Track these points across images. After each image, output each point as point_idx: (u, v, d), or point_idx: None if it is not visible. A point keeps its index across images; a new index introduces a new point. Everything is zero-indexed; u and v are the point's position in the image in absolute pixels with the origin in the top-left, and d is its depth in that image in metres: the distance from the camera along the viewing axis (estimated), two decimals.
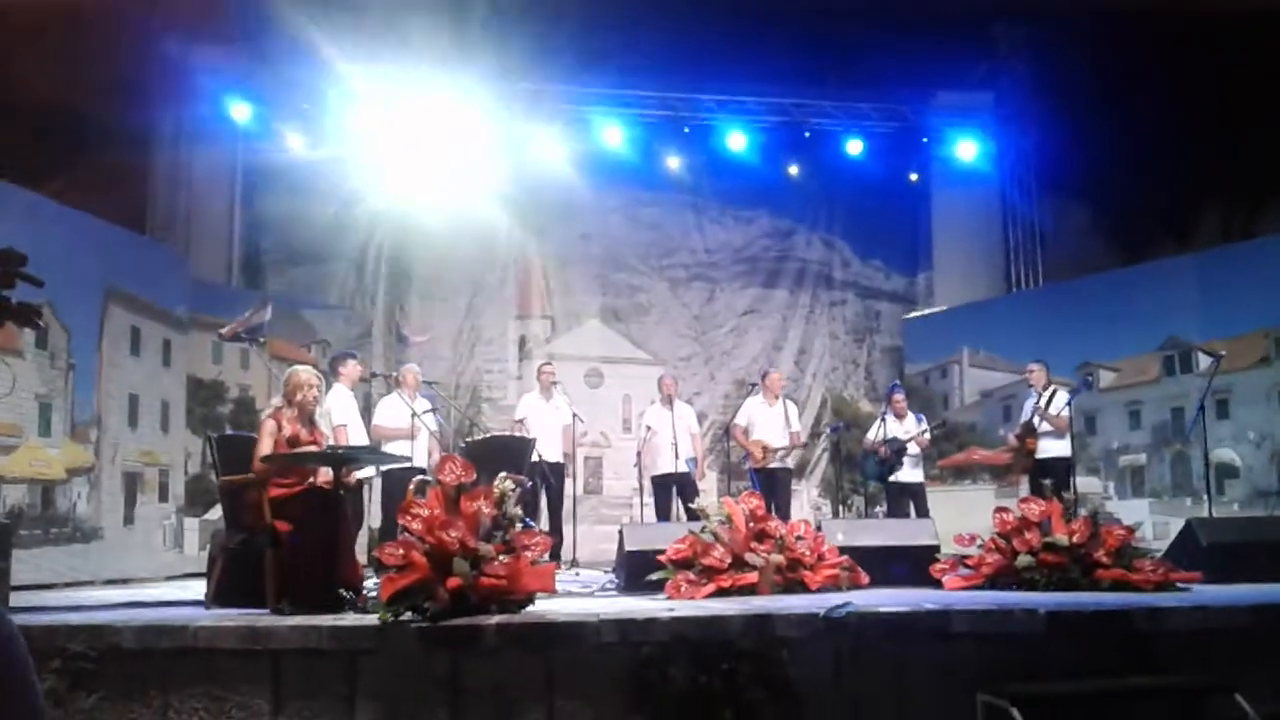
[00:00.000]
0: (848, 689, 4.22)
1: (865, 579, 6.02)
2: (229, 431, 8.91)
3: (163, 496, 9.48)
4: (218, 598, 5.30)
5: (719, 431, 11.11)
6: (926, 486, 9.68)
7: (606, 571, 7.55)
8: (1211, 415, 8.44)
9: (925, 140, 12.80)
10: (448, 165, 12.09)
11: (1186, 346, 9.70)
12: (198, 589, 5.96)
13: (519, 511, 4.75)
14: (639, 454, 9.52)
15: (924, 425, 9.53)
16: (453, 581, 4.25)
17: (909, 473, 9.38)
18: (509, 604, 4.41)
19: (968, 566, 5.99)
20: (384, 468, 7.67)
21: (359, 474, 7.03)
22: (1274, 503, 8.93)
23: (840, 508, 11.52)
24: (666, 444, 9.11)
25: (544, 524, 8.53)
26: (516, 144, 12.09)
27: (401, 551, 4.34)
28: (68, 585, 7.62)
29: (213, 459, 5.93)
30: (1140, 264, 10.68)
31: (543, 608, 4.66)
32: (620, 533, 6.65)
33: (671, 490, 9.17)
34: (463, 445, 7.82)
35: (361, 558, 5.82)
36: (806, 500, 12.37)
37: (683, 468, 9.08)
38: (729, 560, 5.64)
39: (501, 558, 4.47)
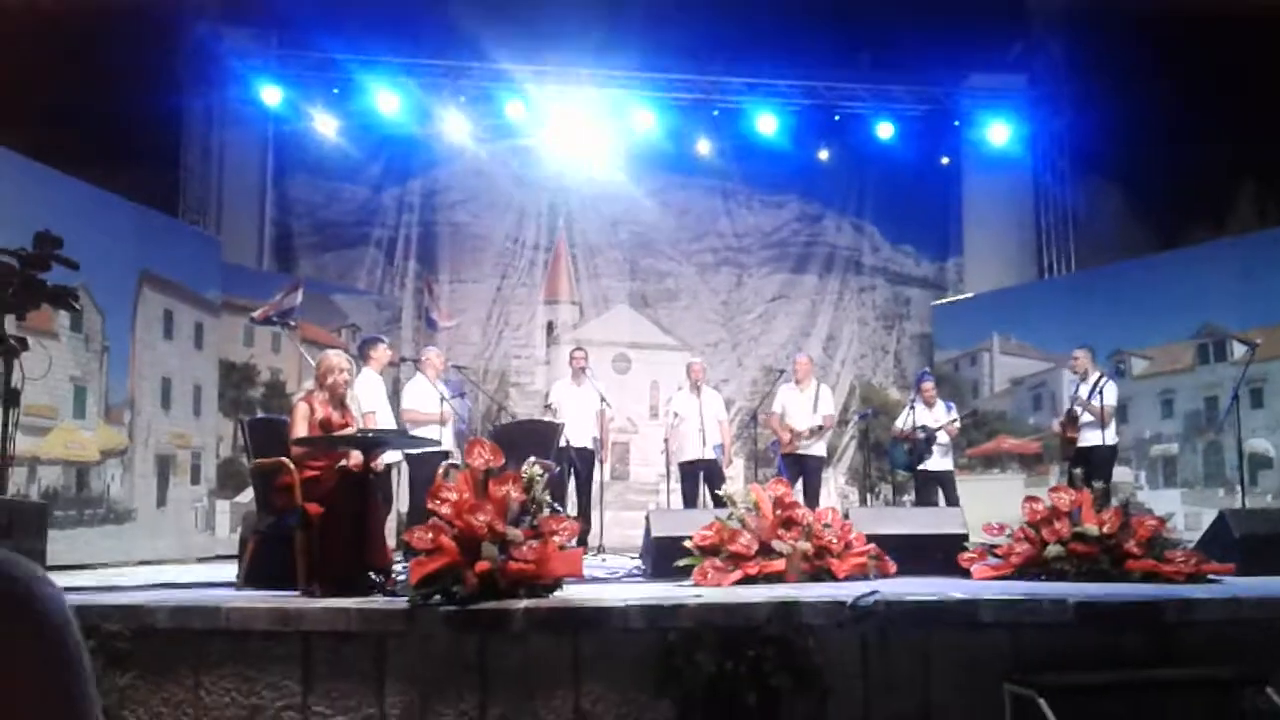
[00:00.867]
0: (874, 677, 4.22)
1: (893, 568, 6.00)
2: (260, 414, 8.99)
3: (195, 479, 9.58)
4: (249, 579, 5.36)
5: (746, 418, 11.09)
6: (955, 475, 9.63)
7: (633, 557, 7.57)
8: (1246, 405, 8.34)
9: (957, 123, 12.69)
10: (476, 150, 12.14)
11: (1222, 334, 9.58)
12: (229, 571, 6.02)
13: (547, 496, 4.77)
14: (666, 440, 9.52)
15: (954, 413, 9.48)
16: (481, 566, 4.27)
17: (938, 461, 9.34)
18: (537, 588, 4.43)
19: (996, 556, 5.95)
20: (412, 452, 7.71)
21: (386, 459, 7.08)
22: None
23: (868, 496, 11.49)
24: (694, 430, 9.10)
25: (571, 509, 8.55)
26: (545, 127, 12.09)
27: (430, 535, 4.36)
28: (102, 566, 7.73)
29: (245, 442, 5.99)
30: (1175, 249, 10.56)
31: (570, 593, 4.68)
32: (647, 519, 6.66)
33: (699, 477, 9.17)
34: (490, 429, 7.85)
35: (391, 541, 5.86)
36: (834, 488, 12.33)
37: (710, 454, 9.08)
38: (756, 547, 5.64)
39: (530, 542, 4.49)
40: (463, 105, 11.95)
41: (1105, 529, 5.68)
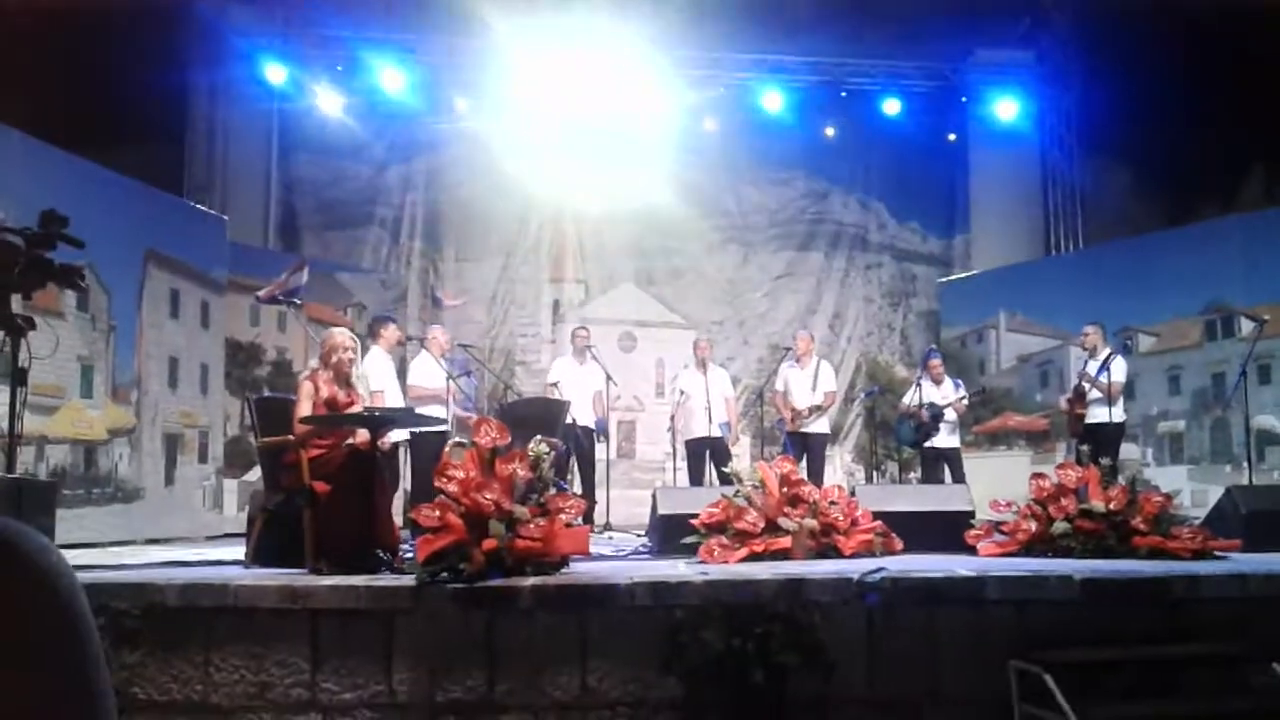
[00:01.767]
0: (880, 654, 4.23)
1: (899, 545, 6.00)
2: (266, 393, 9.01)
3: (202, 457, 9.61)
4: (257, 557, 5.38)
5: (752, 396, 11.09)
6: (962, 452, 9.63)
7: (639, 535, 7.59)
8: (1253, 381, 8.33)
9: (964, 99, 12.63)
10: (481, 127, 12.11)
11: (1229, 311, 9.55)
12: (237, 549, 6.05)
13: (554, 474, 4.77)
14: (672, 418, 9.53)
15: (961, 391, 9.46)
16: (488, 543, 4.28)
17: (945, 438, 9.34)
18: (544, 566, 4.44)
19: (1003, 533, 5.95)
20: (417, 430, 7.72)
21: (393, 437, 7.10)
22: None
23: (874, 473, 11.49)
24: (700, 408, 9.11)
25: (577, 488, 8.57)
26: (550, 105, 12.05)
27: (437, 513, 4.37)
28: (110, 545, 7.76)
29: (252, 421, 6.00)
30: (1183, 226, 10.51)
31: (577, 570, 4.70)
32: (653, 496, 6.66)
33: (705, 455, 9.18)
34: (497, 407, 7.85)
35: (397, 519, 5.88)
36: (840, 466, 12.34)
37: (716, 432, 9.08)
38: (762, 525, 5.65)
39: (536, 520, 4.50)
40: (466, 82, 11.91)
41: (1112, 506, 5.67)
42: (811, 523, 5.74)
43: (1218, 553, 5.45)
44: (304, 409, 5.39)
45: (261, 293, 10.30)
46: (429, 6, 11.07)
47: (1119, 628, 4.27)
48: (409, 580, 4.27)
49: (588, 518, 7.56)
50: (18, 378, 4.89)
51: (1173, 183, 11.15)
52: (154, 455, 8.98)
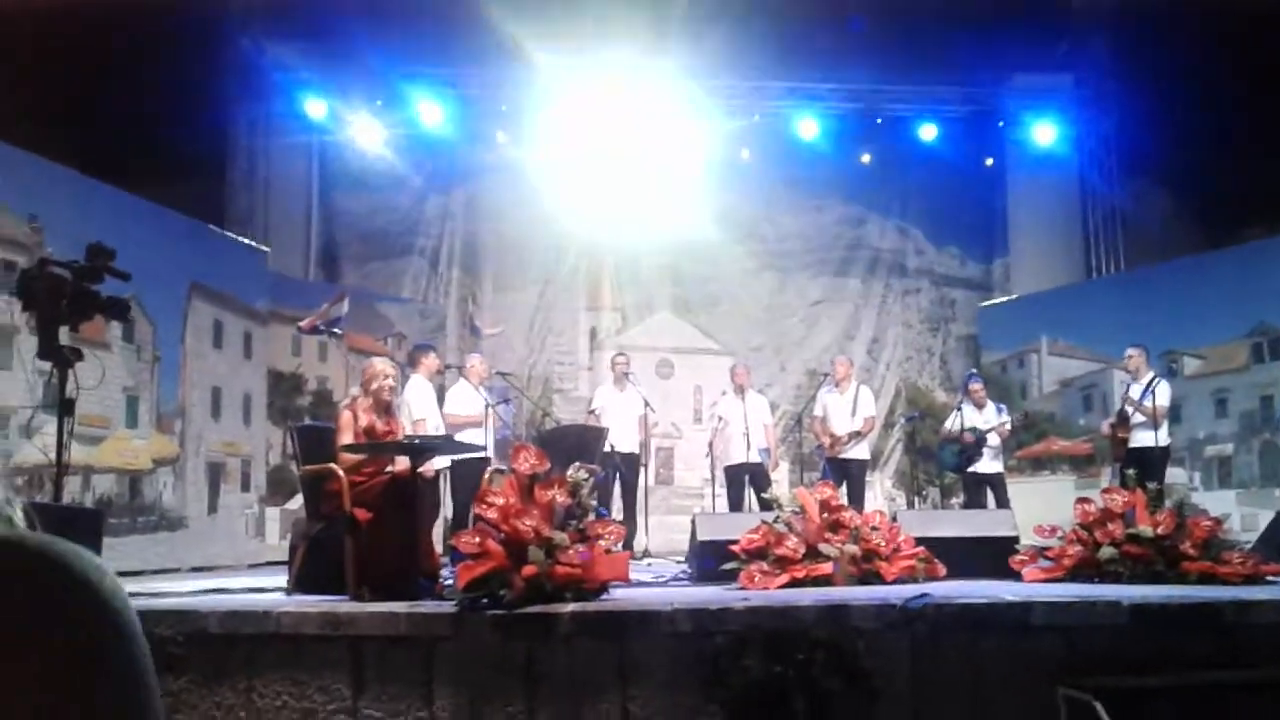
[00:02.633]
0: (925, 680, 4.17)
1: (942, 570, 5.94)
2: (308, 422, 9.09)
3: (245, 486, 9.70)
4: (299, 585, 5.40)
5: (790, 422, 11.04)
6: (1005, 477, 9.52)
7: (679, 562, 7.56)
8: None
9: (1001, 124, 12.58)
10: (518, 157, 12.22)
11: (1276, 333, 9.40)
12: (279, 577, 6.08)
13: (593, 501, 4.77)
14: (710, 444, 9.51)
15: (1004, 415, 9.37)
16: (528, 570, 4.28)
17: (988, 463, 9.24)
18: (584, 592, 4.43)
19: (1048, 558, 5.87)
20: (458, 457, 7.76)
21: (435, 464, 7.13)
22: None
23: (915, 499, 11.38)
24: (739, 434, 9.08)
25: (617, 514, 8.56)
26: (586, 134, 12.15)
27: (478, 540, 4.37)
28: (155, 572, 7.84)
29: (293, 449, 6.05)
30: (1227, 248, 10.37)
31: (617, 596, 4.68)
32: (693, 522, 6.64)
33: (744, 481, 9.14)
34: (535, 434, 7.87)
35: (438, 546, 5.90)
36: (880, 492, 12.24)
37: (755, 458, 9.05)
38: (803, 551, 5.61)
39: (576, 546, 4.49)
40: (503, 114, 12.03)
41: (1160, 530, 5.58)
42: (853, 548, 5.69)
43: (1270, 577, 5.34)
44: (345, 437, 5.44)
45: (303, 323, 10.42)
46: (467, 39, 11.20)
47: (1169, 654, 4.19)
48: (450, 607, 4.28)
49: (627, 544, 7.54)
50: (65, 408, 4.96)
51: (1214, 204, 11.01)
52: (197, 484, 9.08)
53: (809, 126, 12.23)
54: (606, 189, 12.53)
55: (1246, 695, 4.12)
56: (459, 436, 7.57)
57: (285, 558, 6.35)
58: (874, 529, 5.94)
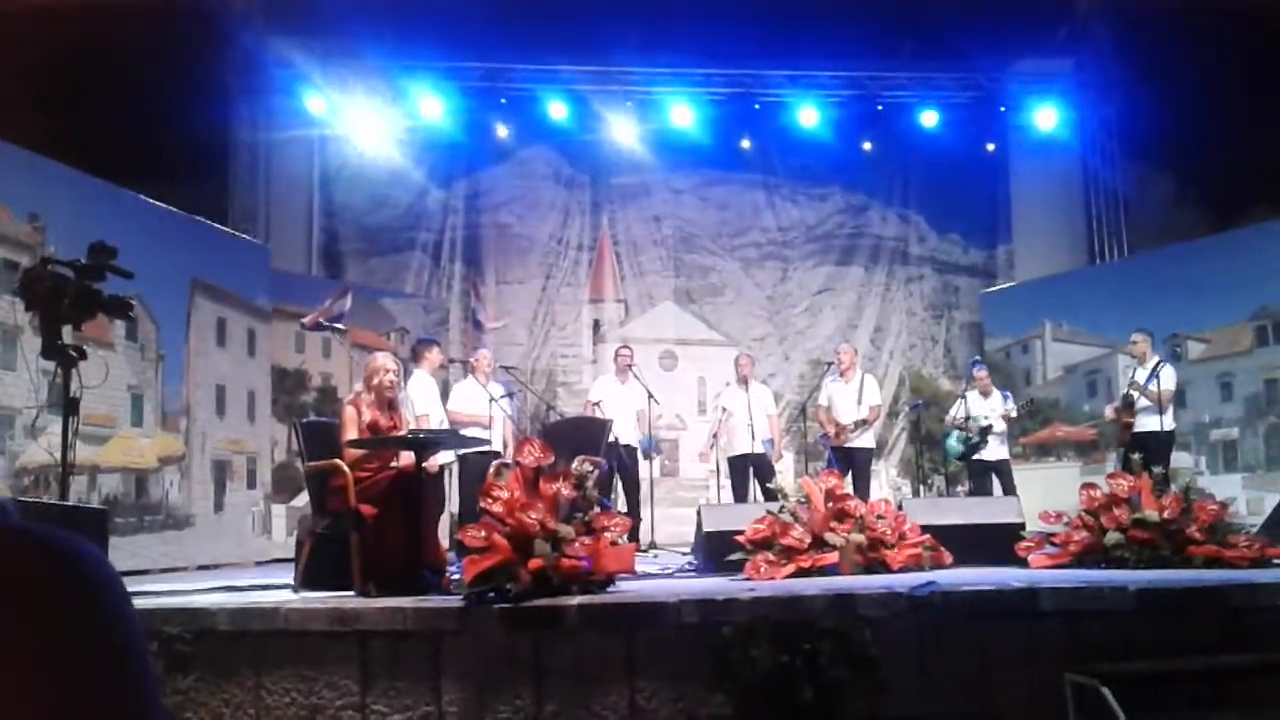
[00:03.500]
0: (931, 668, 4.17)
1: (948, 558, 5.94)
2: (312, 418, 9.09)
3: (250, 484, 9.71)
4: (306, 581, 5.41)
5: (794, 412, 11.04)
6: (1011, 464, 9.51)
7: (684, 553, 7.56)
8: None
9: (1003, 109, 12.52)
10: (518, 150, 12.21)
11: None
12: (286, 574, 6.09)
13: (597, 493, 4.77)
14: (714, 435, 9.51)
15: (1011, 402, 9.36)
16: (534, 563, 4.29)
17: (994, 450, 9.23)
18: (590, 585, 4.44)
19: (1054, 544, 5.87)
20: (462, 452, 7.76)
21: (439, 459, 7.14)
22: None
23: (920, 487, 11.38)
24: (743, 425, 9.08)
25: (621, 506, 8.57)
26: (585, 127, 12.15)
27: (483, 533, 4.38)
28: (162, 571, 7.86)
29: (298, 444, 6.05)
30: (1230, 231, 10.34)
31: (623, 589, 4.69)
32: (698, 514, 6.65)
33: (748, 471, 9.14)
34: (539, 428, 7.88)
35: (444, 541, 5.91)
36: (885, 480, 12.23)
37: (759, 449, 9.05)
38: (808, 540, 5.61)
39: (582, 539, 4.50)
40: (504, 106, 12.02)
41: (1166, 515, 5.58)
42: (858, 537, 5.70)
43: (1276, 561, 5.34)
44: (349, 433, 5.44)
45: (306, 319, 10.42)
46: (465, 32, 11.17)
47: (1176, 638, 4.19)
48: (456, 601, 4.29)
49: (633, 536, 7.55)
50: (69, 407, 4.97)
51: (1217, 187, 10.96)
52: (203, 482, 9.09)
53: (809, 115, 12.19)
54: (608, 180, 12.55)
55: (1253, 679, 4.12)
56: (466, 433, 7.58)
57: (292, 555, 6.36)
58: (879, 518, 5.95)
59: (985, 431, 9.12)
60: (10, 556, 0.73)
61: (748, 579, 5.34)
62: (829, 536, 5.65)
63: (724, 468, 9.46)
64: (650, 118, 12.16)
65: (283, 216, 11.88)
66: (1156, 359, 8.59)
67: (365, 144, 12.03)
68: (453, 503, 9.06)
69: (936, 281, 13.14)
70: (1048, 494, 8.58)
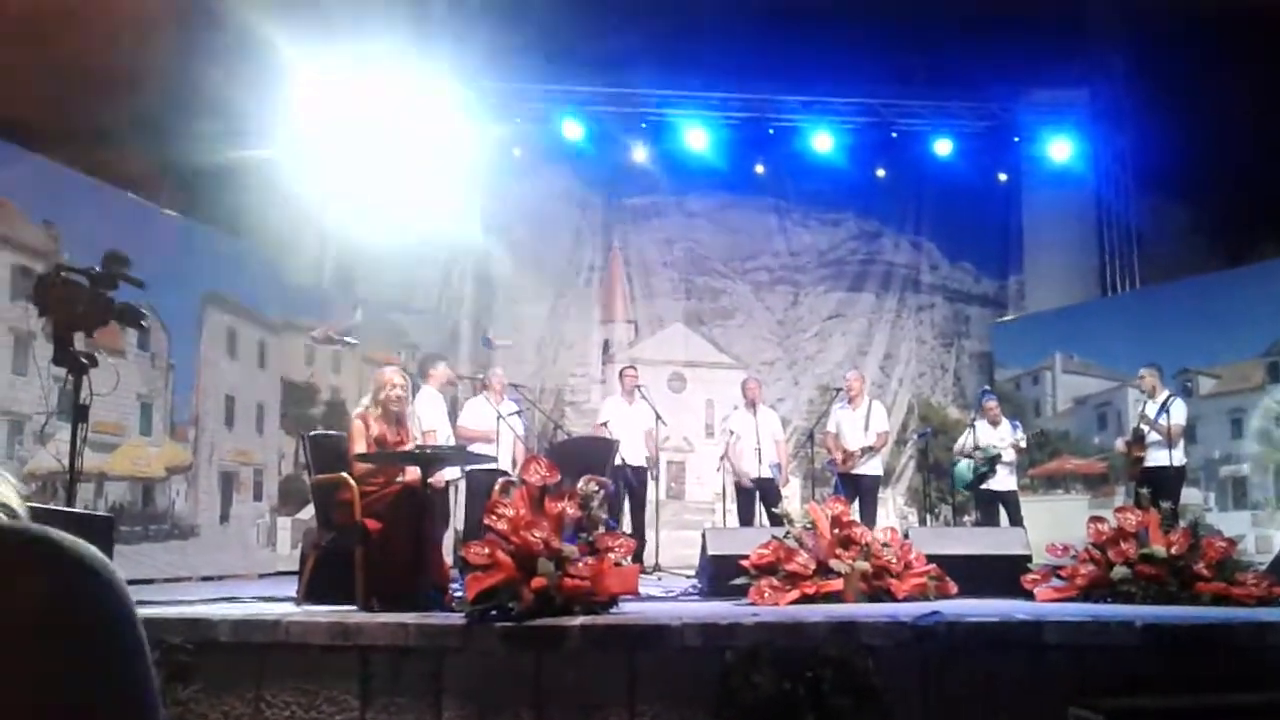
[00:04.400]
0: (935, 699, 4.14)
1: (954, 588, 5.91)
2: (320, 431, 9.09)
3: (257, 495, 9.72)
4: (309, 594, 5.40)
5: (802, 438, 11.02)
6: (1019, 495, 9.47)
7: (689, 576, 7.53)
8: None
9: (1017, 139, 12.55)
10: (531, 171, 12.25)
11: None
12: (290, 586, 6.09)
13: (603, 513, 4.76)
14: (721, 458, 9.49)
15: (1020, 432, 9.34)
16: (537, 582, 4.27)
17: (1002, 480, 9.20)
18: (593, 605, 4.42)
19: (1061, 577, 5.83)
20: (468, 468, 7.76)
21: (445, 475, 7.13)
22: None
23: (927, 516, 11.33)
24: (750, 449, 9.06)
25: (626, 527, 8.55)
26: (600, 146, 12.19)
27: (487, 551, 4.37)
28: (166, 580, 7.85)
29: (305, 458, 6.06)
30: (1243, 265, 10.31)
31: (626, 610, 4.67)
32: (703, 537, 6.63)
33: (754, 495, 9.12)
34: (546, 447, 7.88)
35: (448, 558, 5.90)
36: (892, 509, 12.18)
37: (766, 473, 9.03)
38: (813, 567, 5.58)
39: (585, 559, 4.49)
40: (519, 126, 12.07)
41: (1174, 550, 5.54)
42: (864, 565, 5.67)
43: None
44: (358, 447, 5.44)
45: (316, 333, 10.44)
46: (481, 49, 11.22)
47: (1182, 675, 4.15)
48: (459, 618, 4.27)
49: (637, 557, 7.52)
50: (79, 414, 4.98)
51: (1231, 221, 10.94)
52: (210, 493, 9.10)
53: (823, 140, 12.22)
54: (620, 202, 12.59)
55: (1260, 718, 4.08)
56: (474, 449, 7.58)
57: (296, 567, 6.36)
58: (885, 545, 5.92)
59: (994, 461, 9.09)
60: (17, 558, 0.73)
61: (752, 604, 5.31)
62: (834, 563, 5.62)
63: (730, 491, 9.43)
64: (664, 140, 12.22)
65: (295, 229, 11.90)
66: (1167, 393, 8.56)
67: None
68: (458, 519, 9.05)
69: (947, 310, 13.14)
70: (1055, 526, 8.53)
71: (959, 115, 12.42)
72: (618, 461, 8.26)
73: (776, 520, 6.43)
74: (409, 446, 5.67)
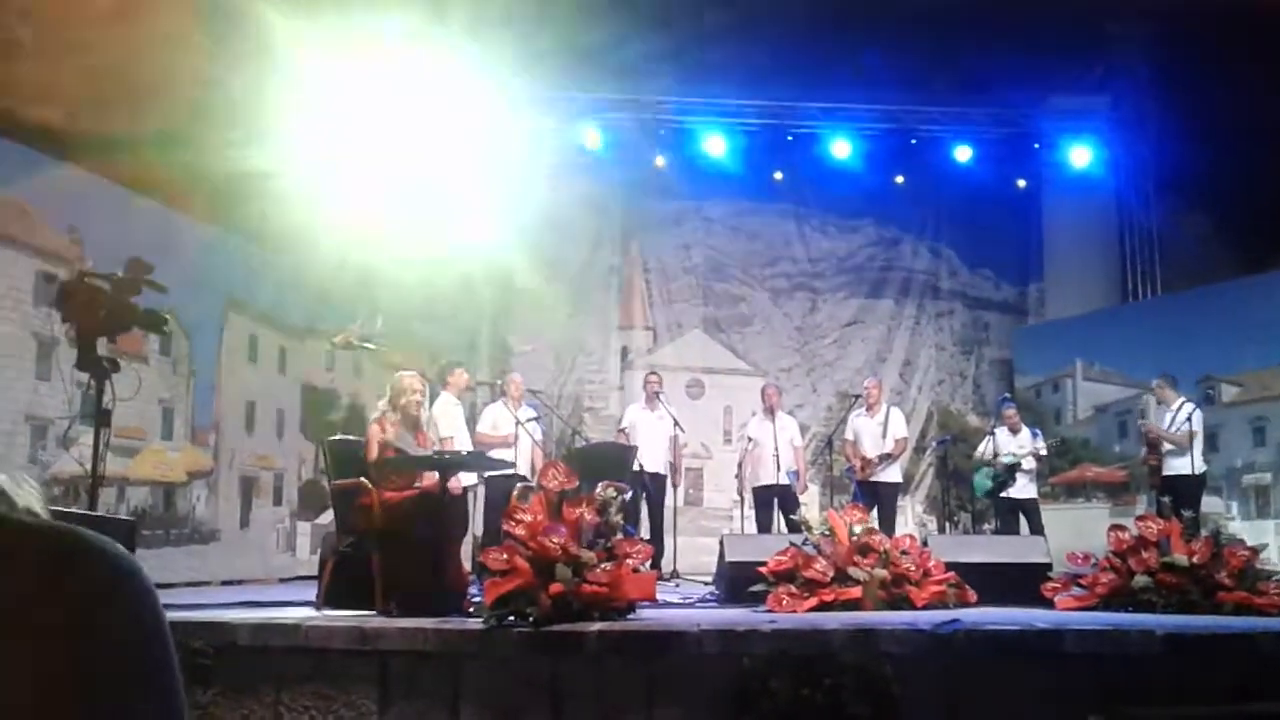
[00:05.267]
0: (954, 707, 4.12)
1: (973, 596, 5.88)
2: (340, 436, 9.12)
3: (277, 500, 9.77)
4: (328, 599, 5.43)
5: (821, 444, 10.99)
6: (1039, 503, 9.41)
7: (706, 583, 7.52)
8: None
9: (1037, 146, 12.47)
10: (549, 177, 12.27)
11: None
12: (309, 591, 6.11)
13: (621, 519, 4.76)
14: (740, 465, 9.48)
15: (1040, 440, 9.29)
16: (555, 587, 4.28)
17: (1022, 488, 9.15)
18: (610, 611, 4.42)
19: (1081, 586, 5.80)
20: (488, 474, 7.78)
21: (463, 480, 7.15)
22: None
23: (947, 524, 11.28)
24: (768, 455, 9.04)
25: (645, 533, 8.54)
26: (619, 153, 12.19)
27: (505, 556, 4.38)
28: (187, 584, 7.90)
29: (325, 463, 6.09)
30: (1265, 272, 10.24)
31: (644, 616, 4.67)
32: (721, 544, 6.62)
33: (773, 502, 9.10)
34: (564, 452, 7.89)
35: (466, 564, 5.91)
36: (911, 516, 12.13)
37: (784, 480, 9.01)
38: (831, 574, 5.57)
39: (603, 565, 4.49)
40: (539, 134, 12.09)
41: (1195, 559, 5.50)
42: (882, 573, 5.65)
43: None
44: (375, 452, 5.47)
45: (337, 338, 10.48)
46: (502, 53, 11.26)
47: (1203, 684, 4.12)
48: (477, 623, 4.28)
49: (655, 564, 7.52)
50: (102, 419, 5.03)
51: (1253, 228, 10.85)
52: (230, 498, 9.15)
53: (842, 147, 12.20)
54: (638, 208, 12.60)
55: None
56: (492, 455, 7.60)
57: (315, 572, 6.38)
58: (904, 553, 5.89)
59: (1013, 469, 9.04)
60: (52, 557, 0.74)
61: (769, 611, 5.30)
62: (853, 571, 5.60)
63: (749, 498, 9.42)
64: (683, 146, 12.21)
65: (320, 235, 11.96)
66: (1181, 400, 8.51)
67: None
68: (477, 525, 9.06)
69: (966, 317, 13.09)
70: (1076, 535, 8.49)
71: (979, 122, 12.37)
72: (636, 467, 8.25)
73: (794, 527, 6.41)
74: (427, 452, 5.70)
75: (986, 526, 10.28)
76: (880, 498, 8.99)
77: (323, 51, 11.07)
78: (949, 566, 5.98)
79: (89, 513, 4.95)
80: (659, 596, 5.19)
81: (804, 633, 4.21)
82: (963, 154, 12.30)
